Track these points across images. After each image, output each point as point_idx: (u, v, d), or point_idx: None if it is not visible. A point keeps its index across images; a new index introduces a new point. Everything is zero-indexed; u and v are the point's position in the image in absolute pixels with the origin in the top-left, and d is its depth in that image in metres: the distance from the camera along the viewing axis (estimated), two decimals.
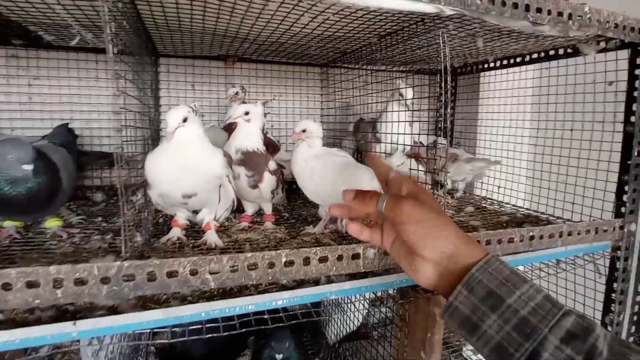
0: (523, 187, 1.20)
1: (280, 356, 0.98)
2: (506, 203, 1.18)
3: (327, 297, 0.64)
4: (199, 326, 0.59)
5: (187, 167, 0.70)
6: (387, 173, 0.55)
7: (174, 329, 0.58)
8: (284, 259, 0.58)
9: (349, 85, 1.20)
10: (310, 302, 0.63)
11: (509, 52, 1.09)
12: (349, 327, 1.25)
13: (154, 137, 1.01)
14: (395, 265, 0.66)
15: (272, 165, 0.87)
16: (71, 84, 1.11)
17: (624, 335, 0.89)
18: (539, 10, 0.70)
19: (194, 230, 0.80)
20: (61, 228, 0.77)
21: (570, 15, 0.73)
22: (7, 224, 0.74)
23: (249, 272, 0.57)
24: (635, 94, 0.85)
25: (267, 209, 0.91)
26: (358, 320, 1.26)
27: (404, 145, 0.96)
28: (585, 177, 0.95)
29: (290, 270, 0.59)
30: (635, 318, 0.90)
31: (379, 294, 1.13)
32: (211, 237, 0.72)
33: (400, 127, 0.95)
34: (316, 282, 0.67)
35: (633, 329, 0.90)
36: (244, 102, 1.12)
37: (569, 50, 0.97)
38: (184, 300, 0.60)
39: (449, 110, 0.70)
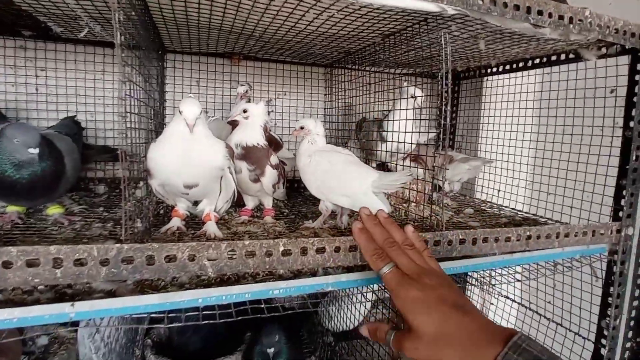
0: (523, 191, 1.21)
1: (272, 350, 0.98)
2: (505, 206, 1.19)
3: (324, 289, 0.64)
4: (196, 313, 0.59)
5: (189, 158, 0.71)
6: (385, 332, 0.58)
7: (171, 325, 0.58)
8: (281, 248, 0.59)
9: (352, 87, 1.21)
10: (306, 293, 0.63)
11: (511, 56, 1.10)
12: (347, 323, 1.24)
13: (157, 130, 1.02)
14: None
15: (274, 159, 0.88)
16: (78, 77, 1.13)
17: (621, 340, 0.89)
18: (540, 12, 0.71)
19: (194, 222, 0.81)
20: (63, 215, 0.78)
21: (570, 19, 0.74)
22: (10, 209, 0.75)
23: (247, 260, 0.57)
24: (635, 99, 0.86)
25: (268, 203, 0.92)
26: (357, 320, 1.26)
27: (410, 143, 0.96)
28: (584, 181, 0.96)
29: (287, 260, 0.59)
30: (632, 323, 0.90)
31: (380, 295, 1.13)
32: (211, 228, 0.73)
33: (407, 127, 0.96)
34: (313, 275, 0.68)
35: (630, 334, 0.90)
36: (248, 101, 1.14)
37: (571, 56, 0.98)
38: (181, 287, 0.61)
39: (449, 108, 0.71)
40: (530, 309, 1.19)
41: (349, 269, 0.69)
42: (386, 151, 1.05)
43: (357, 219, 0.65)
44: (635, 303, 0.90)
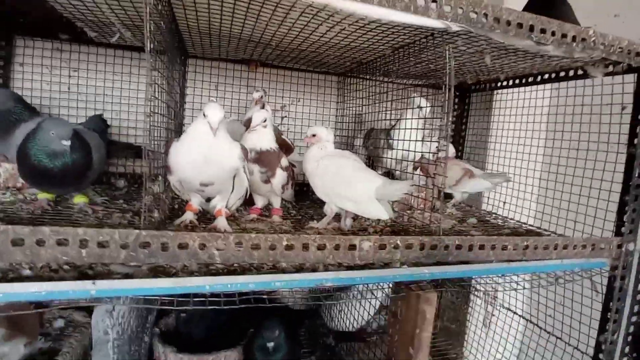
0: (528, 204, 1.22)
1: (272, 344, 1.01)
2: (511, 219, 1.20)
3: (323, 284, 0.68)
4: (203, 299, 0.64)
5: (209, 158, 0.76)
6: None
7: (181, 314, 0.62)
8: (284, 243, 0.63)
9: (364, 96, 1.26)
10: (306, 287, 0.67)
11: (519, 71, 1.13)
12: (349, 324, 1.27)
13: (177, 130, 1.09)
14: (390, 260, 0.70)
15: (284, 162, 0.93)
16: (106, 78, 1.21)
17: (617, 355, 0.89)
18: (542, 30, 0.74)
19: (206, 217, 0.86)
20: (87, 204, 0.85)
21: (574, 38, 0.77)
22: (41, 196, 0.82)
23: (252, 252, 0.62)
24: None
25: (276, 203, 0.97)
26: (358, 323, 1.29)
27: (415, 152, 1.00)
28: (588, 196, 0.97)
29: (289, 254, 0.64)
30: (629, 338, 0.90)
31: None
32: (221, 223, 0.78)
33: (412, 136, 0.99)
34: (314, 271, 0.71)
35: (627, 349, 0.90)
36: (262, 106, 1.19)
37: (579, 72, 1.00)
38: (191, 274, 0.66)
39: (450, 118, 0.74)
40: (531, 322, 1.19)
41: (349, 268, 0.72)
42: (392, 159, 1.09)
43: None
44: (634, 319, 0.90)
